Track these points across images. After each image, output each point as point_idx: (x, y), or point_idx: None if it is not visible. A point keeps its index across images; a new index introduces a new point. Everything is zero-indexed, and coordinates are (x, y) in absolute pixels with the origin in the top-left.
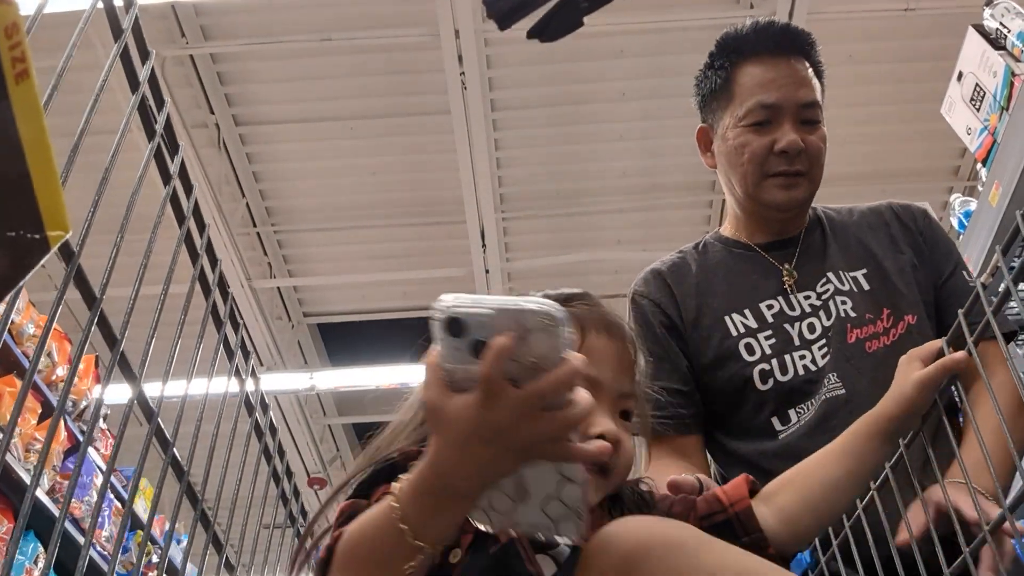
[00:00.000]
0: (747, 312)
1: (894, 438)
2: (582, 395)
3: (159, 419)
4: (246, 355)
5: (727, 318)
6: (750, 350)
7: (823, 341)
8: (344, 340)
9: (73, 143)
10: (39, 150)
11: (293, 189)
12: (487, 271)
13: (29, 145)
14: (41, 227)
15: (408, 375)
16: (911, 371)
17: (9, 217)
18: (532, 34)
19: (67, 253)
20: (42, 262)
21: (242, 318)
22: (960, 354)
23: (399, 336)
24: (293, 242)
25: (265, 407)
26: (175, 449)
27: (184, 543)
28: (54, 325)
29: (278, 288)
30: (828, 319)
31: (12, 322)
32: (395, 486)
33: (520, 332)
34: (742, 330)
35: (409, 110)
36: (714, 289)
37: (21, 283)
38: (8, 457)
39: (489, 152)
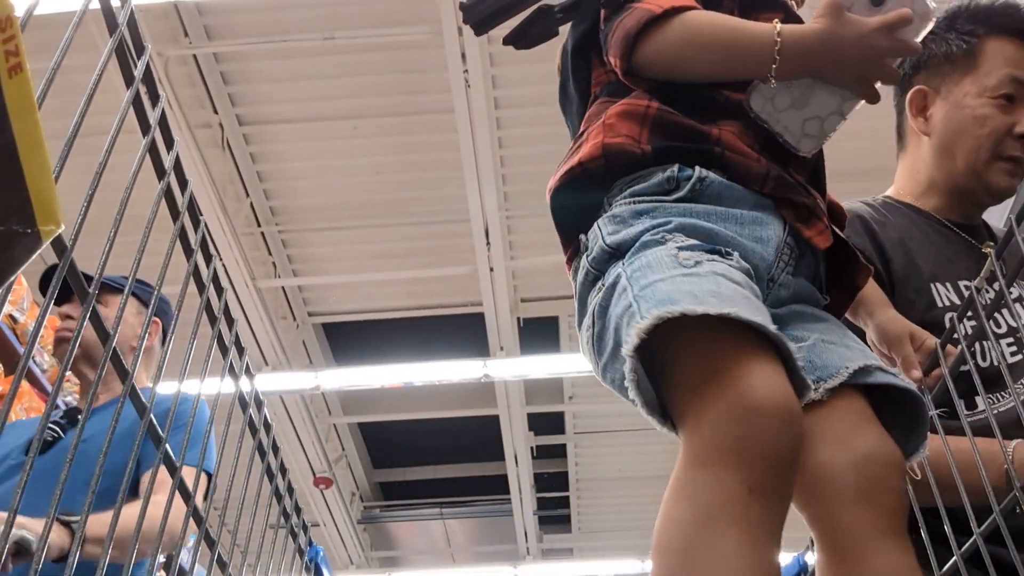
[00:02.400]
0: (949, 285)
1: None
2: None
3: (152, 416)
4: (240, 351)
5: (933, 285)
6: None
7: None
8: (349, 339)
9: (69, 135)
10: (32, 144)
11: (297, 189)
12: (491, 269)
13: (22, 139)
14: (33, 221)
15: (413, 373)
16: (907, 332)
17: (1, 210)
18: (508, 41)
19: (60, 248)
20: (33, 256)
21: (245, 315)
22: (916, 374)
23: (404, 335)
24: (297, 242)
25: (259, 404)
26: (167, 446)
27: (191, 543)
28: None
29: (283, 288)
30: None
31: (16, 322)
32: (780, 26)
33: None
34: (947, 303)
35: (413, 109)
36: (920, 250)
37: (12, 277)
38: None
39: (493, 150)
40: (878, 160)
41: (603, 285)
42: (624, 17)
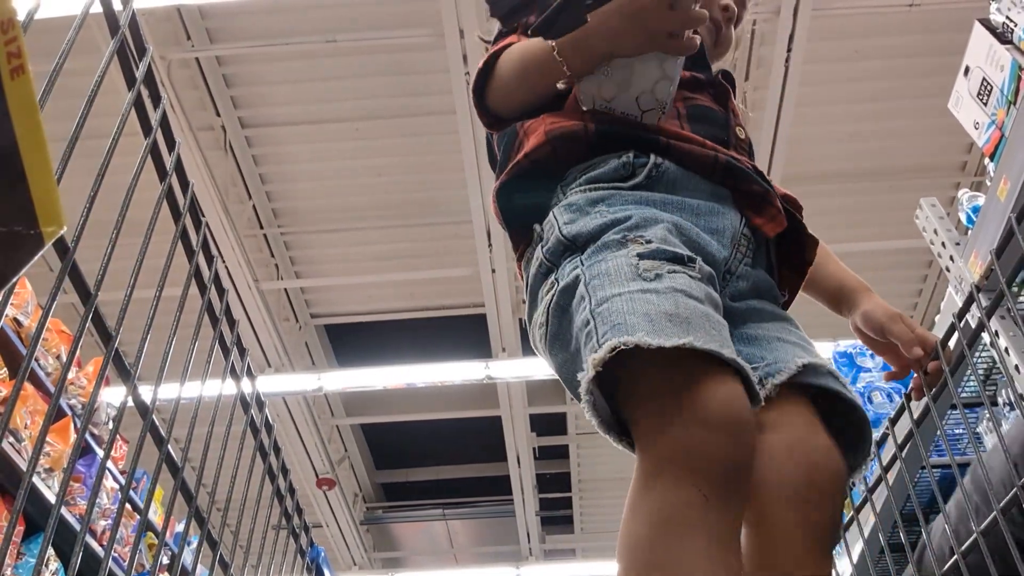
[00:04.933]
0: None
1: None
2: (702, 11)
3: (154, 417)
4: (242, 353)
5: None
6: None
7: None
8: (351, 341)
9: (71, 137)
10: (34, 146)
11: (299, 191)
12: (493, 270)
13: (24, 141)
14: (36, 223)
15: (415, 375)
16: (898, 315)
17: (3, 212)
18: (535, 32)
19: (63, 250)
20: (36, 258)
21: (248, 317)
22: (918, 351)
23: (406, 336)
24: (300, 243)
25: (261, 405)
26: (169, 447)
27: (194, 544)
28: (63, 328)
29: (285, 290)
30: None
31: (20, 325)
32: (558, 40)
33: None
34: None
35: (414, 111)
36: None
37: (16, 279)
38: (16, 458)
39: None
40: (879, 160)
41: (557, 281)
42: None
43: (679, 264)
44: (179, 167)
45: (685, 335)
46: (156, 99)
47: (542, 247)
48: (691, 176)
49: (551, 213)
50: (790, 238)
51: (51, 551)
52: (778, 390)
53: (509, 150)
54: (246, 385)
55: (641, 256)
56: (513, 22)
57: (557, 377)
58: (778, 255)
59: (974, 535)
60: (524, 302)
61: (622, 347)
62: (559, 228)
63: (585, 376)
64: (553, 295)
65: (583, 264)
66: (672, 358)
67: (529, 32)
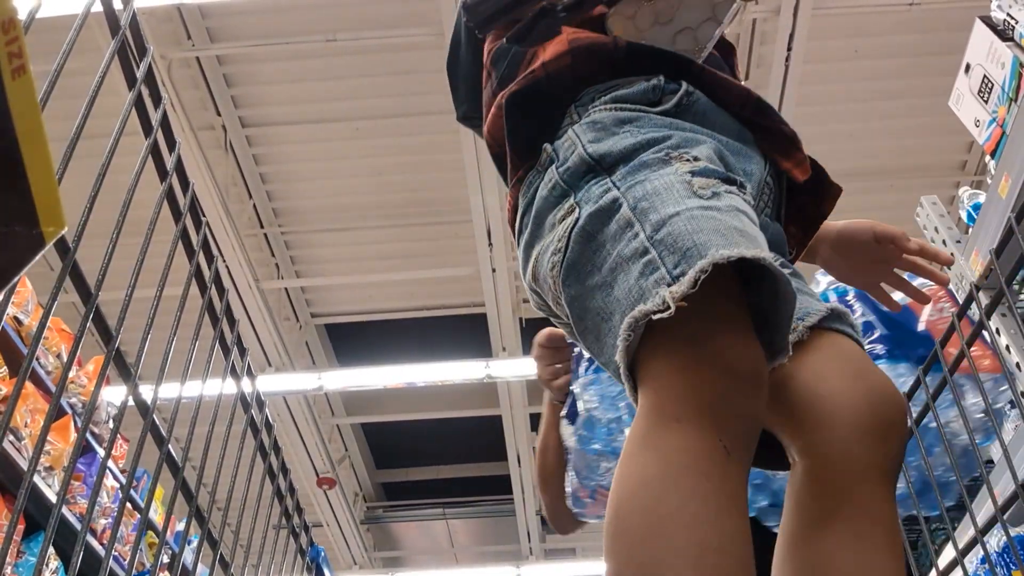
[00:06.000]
0: None
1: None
2: None
3: (155, 416)
4: (242, 352)
5: None
6: None
7: None
8: (352, 340)
9: (72, 137)
10: (35, 146)
11: (300, 190)
12: (494, 270)
13: (25, 141)
14: (36, 223)
15: (415, 374)
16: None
17: (3, 212)
18: (511, 40)
19: (64, 250)
20: (37, 258)
21: (248, 316)
22: (946, 255)
23: (406, 336)
24: (300, 243)
25: (261, 404)
26: (170, 447)
27: (195, 543)
28: (64, 327)
29: (285, 289)
30: None
31: (21, 323)
32: None
33: None
34: None
35: (415, 110)
36: None
37: (16, 278)
38: (16, 457)
39: None
40: (879, 159)
41: (579, 204)
42: None
43: (732, 185)
44: (179, 167)
45: (761, 250)
46: (156, 99)
47: (557, 167)
48: (720, 112)
49: (570, 131)
50: (805, 191)
51: (51, 550)
52: (808, 333)
53: (519, 60)
54: (246, 385)
55: (693, 173)
56: (489, 29)
57: (545, 306)
58: (787, 211)
59: (974, 534)
60: (516, 230)
61: (703, 276)
62: (582, 146)
63: (644, 310)
64: (577, 219)
65: (617, 186)
66: (706, 287)
67: (505, 40)
